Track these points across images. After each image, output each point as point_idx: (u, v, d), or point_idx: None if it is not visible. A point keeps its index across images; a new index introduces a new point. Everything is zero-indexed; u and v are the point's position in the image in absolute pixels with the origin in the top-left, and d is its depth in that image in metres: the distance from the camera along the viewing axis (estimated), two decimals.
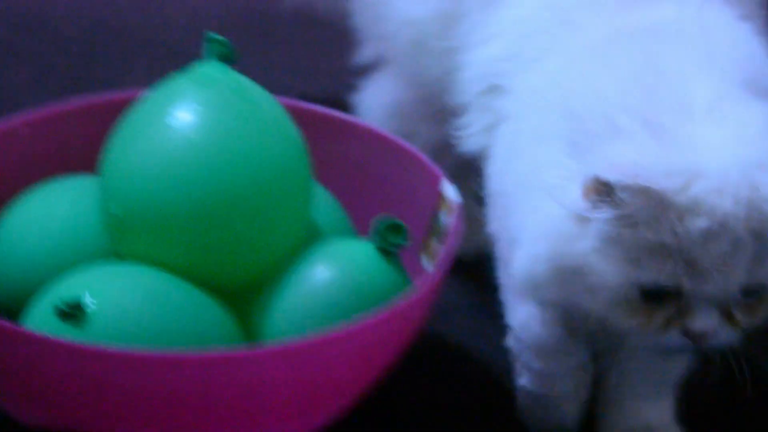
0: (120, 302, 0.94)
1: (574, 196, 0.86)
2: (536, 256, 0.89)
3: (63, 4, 1.65)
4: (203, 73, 0.99)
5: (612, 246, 0.85)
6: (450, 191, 1.04)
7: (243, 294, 1.00)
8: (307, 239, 1.02)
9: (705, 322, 0.87)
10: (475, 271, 1.12)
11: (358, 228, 1.08)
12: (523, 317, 0.99)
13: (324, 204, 1.07)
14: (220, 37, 1.00)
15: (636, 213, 0.84)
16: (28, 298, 0.97)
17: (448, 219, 1.03)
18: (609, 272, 0.86)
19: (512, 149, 0.96)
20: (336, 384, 0.95)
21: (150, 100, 1.00)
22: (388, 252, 0.99)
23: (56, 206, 1.04)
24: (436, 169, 1.06)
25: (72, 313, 0.92)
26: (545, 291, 0.91)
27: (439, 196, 1.05)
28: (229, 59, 1.00)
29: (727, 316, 0.88)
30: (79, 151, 1.08)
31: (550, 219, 0.88)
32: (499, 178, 0.99)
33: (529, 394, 1.02)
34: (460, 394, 1.09)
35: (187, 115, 0.97)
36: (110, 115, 1.02)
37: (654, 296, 0.87)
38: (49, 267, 1.00)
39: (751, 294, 0.87)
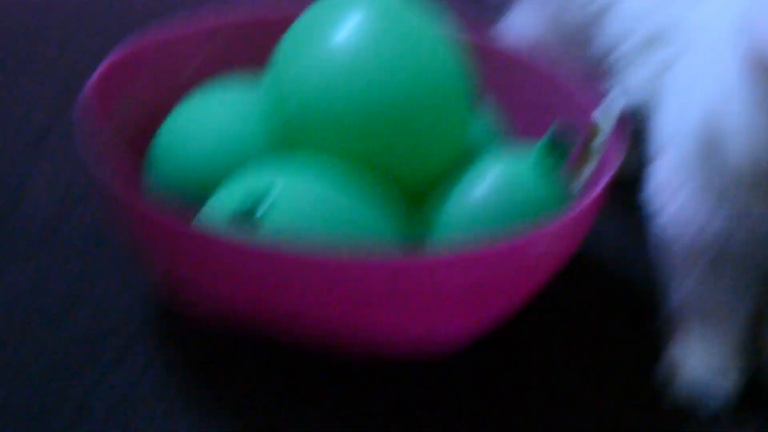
0: (297, 197, 0.96)
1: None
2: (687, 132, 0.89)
3: None
4: None
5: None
6: (604, 116, 1.06)
7: (410, 195, 1.03)
8: (469, 152, 1.05)
9: None
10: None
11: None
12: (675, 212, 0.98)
13: (483, 119, 1.09)
14: None
15: None
16: (204, 188, 1.00)
17: (602, 144, 1.05)
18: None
19: (689, 90, 0.96)
20: (500, 291, 0.98)
21: (320, 6, 1.02)
22: (551, 166, 1.02)
23: (224, 104, 1.07)
24: (590, 96, 1.09)
25: (248, 216, 0.94)
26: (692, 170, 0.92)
27: (592, 124, 1.07)
28: None
29: None
30: (245, 58, 1.11)
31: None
32: (674, 121, 0.99)
33: (685, 329, 1.03)
34: (604, 316, 1.12)
35: (358, 22, 1.00)
36: (279, 24, 1.04)
37: None
38: (215, 163, 1.04)
39: None
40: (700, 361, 1.02)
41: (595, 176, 1.02)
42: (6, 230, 1.15)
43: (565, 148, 1.02)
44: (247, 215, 0.94)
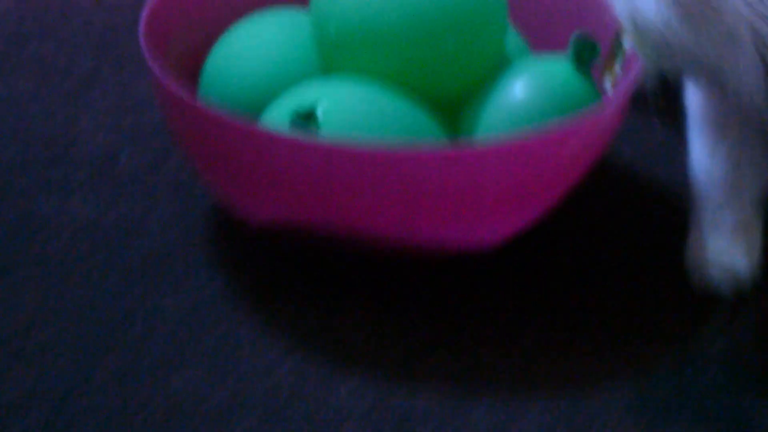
0: (345, 108, 1.04)
1: None
2: None
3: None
4: None
5: None
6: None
7: (450, 105, 1.10)
8: (502, 60, 1.12)
9: None
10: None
11: None
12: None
13: (514, 38, 1.17)
14: None
15: None
16: (259, 108, 1.07)
17: (627, 41, 1.12)
18: None
19: None
20: (536, 186, 1.05)
21: None
22: (581, 67, 1.09)
23: (270, 31, 1.13)
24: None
25: (306, 117, 1.02)
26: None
27: (617, 23, 1.14)
28: None
29: None
30: None
31: None
32: None
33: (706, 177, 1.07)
34: (633, 213, 1.19)
35: None
36: None
37: None
38: (266, 84, 1.10)
39: None
40: (721, 242, 1.06)
41: (623, 73, 1.09)
42: (63, 166, 1.21)
43: (594, 48, 1.09)
44: (301, 120, 1.01)
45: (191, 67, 1.14)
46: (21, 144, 1.23)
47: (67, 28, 1.41)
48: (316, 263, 1.11)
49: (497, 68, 1.11)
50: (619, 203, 1.20)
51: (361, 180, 0.99)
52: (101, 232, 1.14)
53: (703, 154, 1.07)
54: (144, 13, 1.10)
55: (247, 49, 1.13)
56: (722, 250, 1.06)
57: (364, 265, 1.10)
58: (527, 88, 1.08)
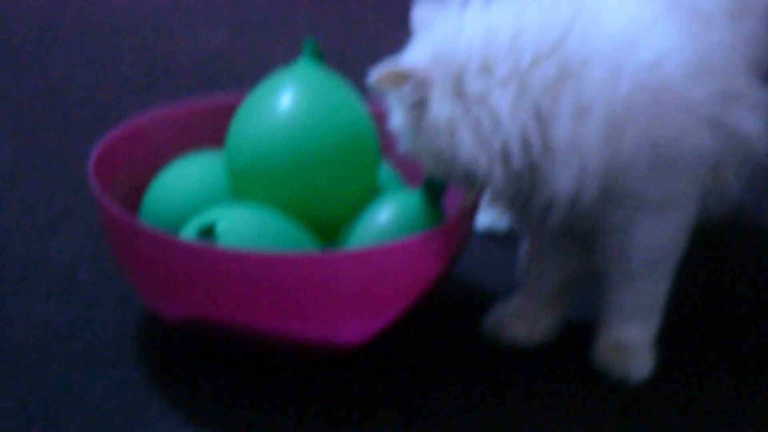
0: (240, 227, 1.32)
1: None
2: None
3: (189, 50, 2.07)
4: (300, 69, 1.38)
5: None
6: None
7: (327, 230, 1.38)
8: (374, 192, 1.40)
9: None
10: None
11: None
12: None
13: (386, 171, 1.45)
14: (313, 41, 1.39)
15: None
16: (178, 227, 1.36)
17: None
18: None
19: None
20: (387, 290, 1.30)
21: (262, 88, 1.39)
22: (431, 200, 1.37)
23: (195, 169, 1.43)
24: None
25: (208, 232, 1.30)
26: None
27: None
28: (319, 57, 1.39)
29: None
30: (210, 133, 1.48)
31: None
32: None
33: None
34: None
35: (287, 99, 1.36)
36: (232, 108, 1.41)
37: None
38: (189, 209, 1.38)
39: None
40: (515, 314, 1.39)
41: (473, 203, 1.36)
42: (33, 278, 1.50)
43: (442, 185, 1.37)
44: (203, 234, 1.29)
45: (134, 199, 1.43)
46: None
47: (53, 173, 1.72)
48: (223, 356, 1.37)
49: (370, 197, 1.39)
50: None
51: (238, 278, 1.26)
52: (53, 329, 1.42)
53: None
54: (92, 156, 1.40)
55: (176, 182, 1.42)
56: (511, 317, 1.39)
57: (262, 358, 1.36)
58: (388, 214, 1.36)
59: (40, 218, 1.62)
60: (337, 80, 1.39)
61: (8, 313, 1.44)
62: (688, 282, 1.37)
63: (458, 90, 1.23)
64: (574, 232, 1.31)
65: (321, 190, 1.36)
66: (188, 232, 1.32)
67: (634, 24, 1.24)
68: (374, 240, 1.35)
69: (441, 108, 1.23)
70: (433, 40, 1.25)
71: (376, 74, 1.24)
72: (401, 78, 1.24)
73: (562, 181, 1.23)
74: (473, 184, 1.27)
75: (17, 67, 2.01)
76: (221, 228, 1.31)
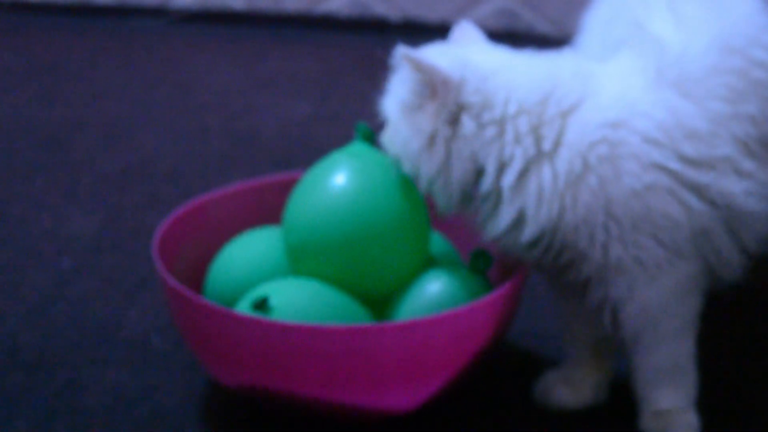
0: (292, 300, 1.39)
1: None
2: None
3: (272, 123, 2.17)
4: (353, 150, 1.46)
5: None
6: None
7: (379, 301, 1.44)
8: (425, 264, 1.46)
9: None
10: None
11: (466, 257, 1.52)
12: None
13: (438, 242, 1.51)
14: (365, 125, 1.46)
15: None
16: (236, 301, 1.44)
17: None
18: None
19: None
20: (435, 360, 1.36)
21: (317, 168, 1.46)
22: (478, 272, 1.43)
23: (255, 245, 1.51)
24: None
25: (261, 305, 1.37)
26: None
27: None
28: (371, 140, 1.46)
29: None
30: (271, 210, 1.56)
31: None
32: None
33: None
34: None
35: (341, 178, 1.43)
36: (292, 185, 1.49)
37: None
38: (250, 282, 1.46)
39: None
40: (562, 379, 1.44)
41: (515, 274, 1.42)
42: (109, 345, 1.59)
43: (488, 259, 1.42)
44: (257, 307, 1.37)
45: (198, 277, 1.52)
46: (78, 328, 1.62)
47: (135, 243, 1.81)
48: (282, 421, 1.44)
49: (420, 270, 1.45)
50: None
51: (290, 349, 1.33)
52: (124, 395, 1.50)
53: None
54: (156, 235, 1.49)
55: (238, 257, 1.50)
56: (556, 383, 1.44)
57: (318, 425, 1.43)
58: (437, 286, 1.42)
59: (120, 287, 1.71)
60: (387, 160, 1.45)
61: (83, 378, 1.53)
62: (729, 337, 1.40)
63: (455, 119, 1.32)
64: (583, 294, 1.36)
65: (373, 265, 1.42)
66: (243, 306, 1.40)
67: (613, 89, 1.31)
68: (423, 311, 1.41)
69: (433, 121, 1.32)
70: (467, 65, 1.32)
71: (406, 52, 1.31)
72: (428, 71, 1.31)
73: (499, 220, 1.32)
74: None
75: (110, 142, 2.12)
76: (274, 301, 1.38)
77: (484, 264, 1.43)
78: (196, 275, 1.53)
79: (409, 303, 1.43)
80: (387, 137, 1.39)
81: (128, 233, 1.84)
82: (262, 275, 1.47)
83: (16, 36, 2.56)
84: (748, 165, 1.30)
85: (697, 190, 1.30)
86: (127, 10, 2.59)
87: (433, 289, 1.43)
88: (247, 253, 1.51)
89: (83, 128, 2.17)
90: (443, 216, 1.38)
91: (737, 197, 1.30)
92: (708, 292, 1.36)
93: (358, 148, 1.46)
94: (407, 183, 1.45)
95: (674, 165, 1.28)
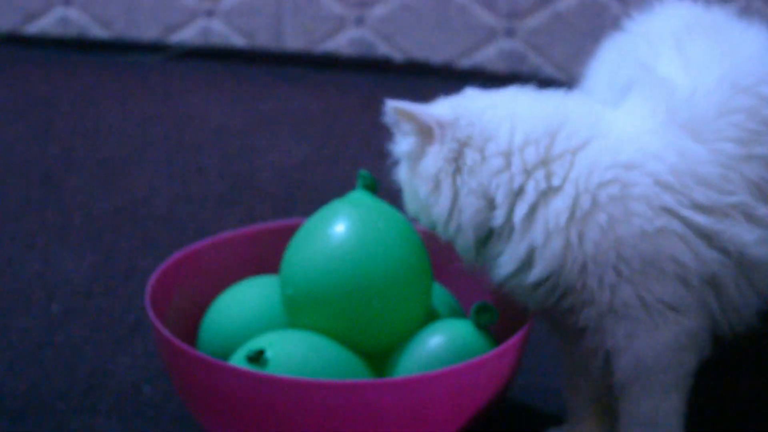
0: (289, 353, 1.34)
1: None
2: None
3: (271, 164, 2.12)
4: (354, 198, 1.41)
5: None
6: None
7: (379, 354, 1.39)
8: (427, 318, 1.41)
9: None
10: None
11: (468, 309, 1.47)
12: None
13: (440, 294, 1.46)
14: (367, 173, 1.42)
15: None
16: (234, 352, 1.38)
17: None
18: None
19: None
20: (435, 417, 1.32)
21: (317, 216, 1.42)
22: (481, 326, 1.38)
23: (252, 294, 1.46)
24: None
25: (256, 358, 1.32)
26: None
27: None
28: (373, 189, 1.42)
29: None
30: (269, 257, 1.51)
31: None
32: None
33: None
34: None
35: (341, 227, 1.38)
36: (291, 232, 1.44)
37: None
38: (246, 333, 1.41)
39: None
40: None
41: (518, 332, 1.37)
42: (98, 393, 1.54)
43: (492, 312, 1.38)
44: (252, 359, 1.32)
45: (191, 325, 1.47)
46: (67, 375, 1.57)
47: (127, 287, 1.76)
48: None
49: (421, 323, 1.40)
50: None
51: (284, 403, 1.28)
52: None
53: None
54: (149, 283, 1.44)
55: (232, 307, 1.45)
56: None
57: None
58: (438, 341, 1.38)
59: (111, 333, 1.66)
60: (389, 209, 1.41)
61: (71, 428, 1.48)
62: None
63: (457, 155, 1.31)
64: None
65: (373, 318, 1.37)
66: (238, 358, 1.34)
67: (623, 131, 1.30)
68: (424, 366, 1.36)
69: (434, 162, 1.31)
70: (459, 105, 1.33)
71: (395, 105, 1.32)
72: (419, 116, 1.32)
73: (508, 258, 1.30)
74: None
75: (103, 181, 2.08)
76: (270, 354, 1.33)
77: (489, 318, 1.38)
78: (189, 324, 1.48)
79: (410, 357, 1.38)
80: (405, 200, 1.38)
81: (120, 277, 1.79)
82: (257, 326, 1.42)
83: (8, 69, 2.52)
84: (761, 210, 1.28)
85: (707, 237, 1.27)
86: (124, 44, 2.54)
87: (435, 343, 1.38)
88: (242, 303, 1.46)
89: (76, 166, 2.13)
90: (468, 266, 1.35)
91: (750, 247, 1.27)
92: (706, 353, 1.33)
93: (359, 196, 1.42)
94: (410, 233, 1.40)
95: (685, 212, 1.27)
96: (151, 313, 1.38)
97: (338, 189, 1.49)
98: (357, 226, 1.38)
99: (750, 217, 1.28)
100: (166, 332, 1.35)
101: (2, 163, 2.14)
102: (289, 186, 2.05)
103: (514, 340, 1.35)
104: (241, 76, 2.48)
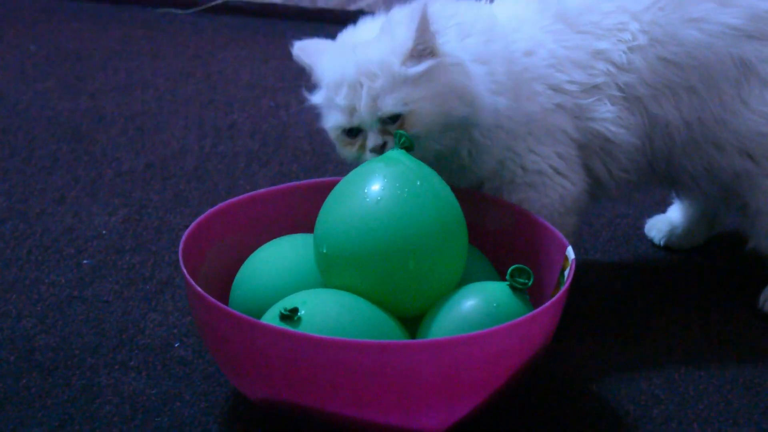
0: (322, 312, 1.33)
1: None
2: None
3: (302, 123, 2.10)
4: (390, 157, 1.39)
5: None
6: (571, 253, 1.41)
7: (413, 316, 1.38)
8: (461, 280, 1.39)
9: (373, 141, 1.42)
10: None
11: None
12: None
13: (475, 256, 1.45)
14: (404, 133, 1.40)
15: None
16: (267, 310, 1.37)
17: (569, 273, 1.39)
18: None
19: None
20: (468, 380, 1.30)
21: (353, 174, 1.40)
22: (516, 288, 1.36)
23: (285, 252, 1.45)
24: (563, 238, 1.43)
25: (290, 316, 1.31)
26: None
27: (565, 258, 1.42)
28: (409, 148, 1.40)
29: (387, 134, 1.41)
30: (304, 216, 1.49)
31: None
32: None
33: None
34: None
35: (377, 186, 1.37)
36: (326, 190, 1.43)
37: (350, 133, 1.44)
38: (279, 292, 1.40)
39: (392, 119, 1.41)
40: None
41: (558, 294, 1.35)
42: (128, 349, 1.53)
43: (528, 275, 1.36)
44: (286, 316, 1.30)
45: (223, 282, 1.46)
46: (97, 330, 1.56)
47: (158, 243, 1.75)
48: None
49: (455, 285, 1.38)
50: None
51: (317, 363, 1.27)
52: (143, 403, 1.44)
53: None
54: (182, 238, 1.42)
55: (266, 265, 1.44)
56: None
57: None
58: (473, 304, 1.36)
59: (142, 290, 1.65)
60: (426, 169, 1.39)
61: (100, 384, 1.47)
62: None
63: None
64: None
65: (408, 278, 1.36)
66: (271, 316, 1.33)
67: (515, 22, 1.52)
68: (458, 329, 1.34)
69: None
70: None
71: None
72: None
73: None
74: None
75: (134, 137, 2.06)
76: (304, 313, 1.31)
77: (525, 281, 1.36)
78: (221, 281, 1.46)
79: (444, 319, 1.36)
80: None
81: (151, 233, 1.78)
82: (291, 285, 1.41)
83: (39, 23, 2.50)
84: (615, 91, 1.51)
85: (581, 111, 1.51)
86: None
87: (470, 305, 1.36)
88: (276, 261, 1.44)
89: (107, 121, 2.11)
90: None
91: (608, 123, 1.51)
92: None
93: (395, 155, 1.40)
94: (447, 194, 1.38)
95: (569, 87, 1.50)
96: (184, 269, 1.37)
97: None
98: (393, 185, 1.37)
99: (610, 98, 1.50)
100: (198, 288, 1.34)
101: (32, 117, 2.12)
102: (320, 145, 2.03)
103: (549, 304, 1.33)
104: (273, 32, 2.46)
